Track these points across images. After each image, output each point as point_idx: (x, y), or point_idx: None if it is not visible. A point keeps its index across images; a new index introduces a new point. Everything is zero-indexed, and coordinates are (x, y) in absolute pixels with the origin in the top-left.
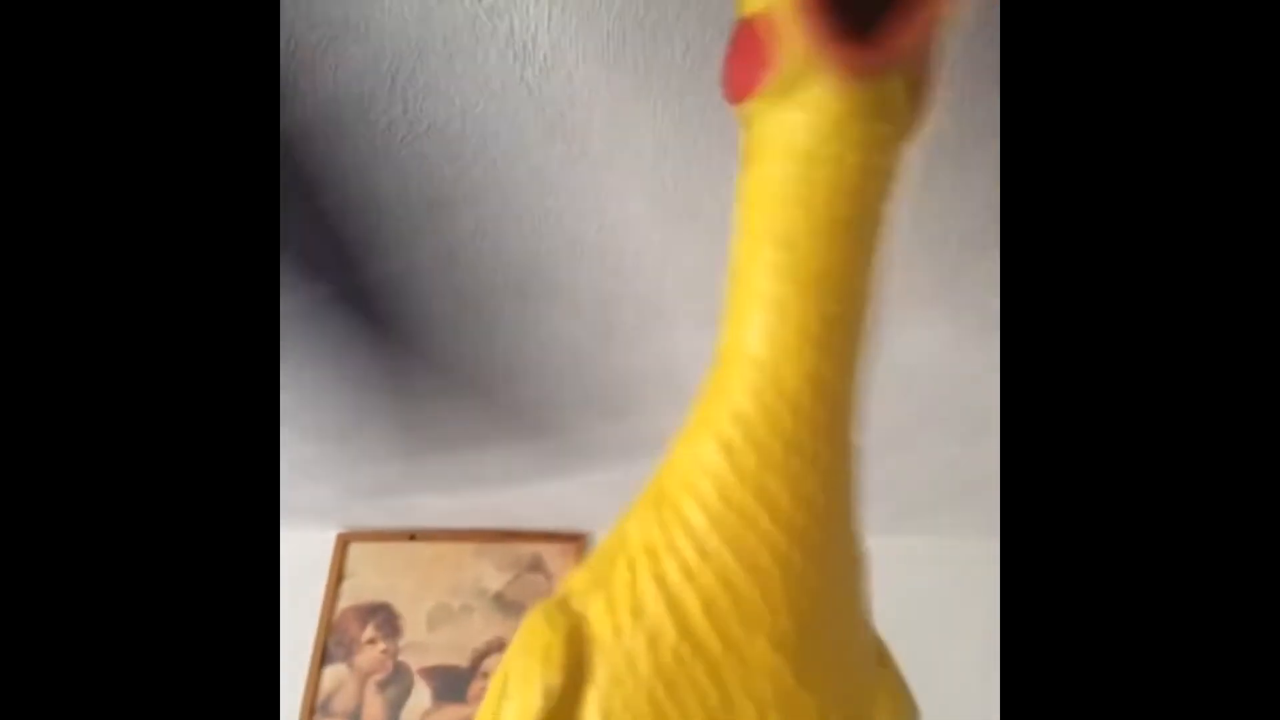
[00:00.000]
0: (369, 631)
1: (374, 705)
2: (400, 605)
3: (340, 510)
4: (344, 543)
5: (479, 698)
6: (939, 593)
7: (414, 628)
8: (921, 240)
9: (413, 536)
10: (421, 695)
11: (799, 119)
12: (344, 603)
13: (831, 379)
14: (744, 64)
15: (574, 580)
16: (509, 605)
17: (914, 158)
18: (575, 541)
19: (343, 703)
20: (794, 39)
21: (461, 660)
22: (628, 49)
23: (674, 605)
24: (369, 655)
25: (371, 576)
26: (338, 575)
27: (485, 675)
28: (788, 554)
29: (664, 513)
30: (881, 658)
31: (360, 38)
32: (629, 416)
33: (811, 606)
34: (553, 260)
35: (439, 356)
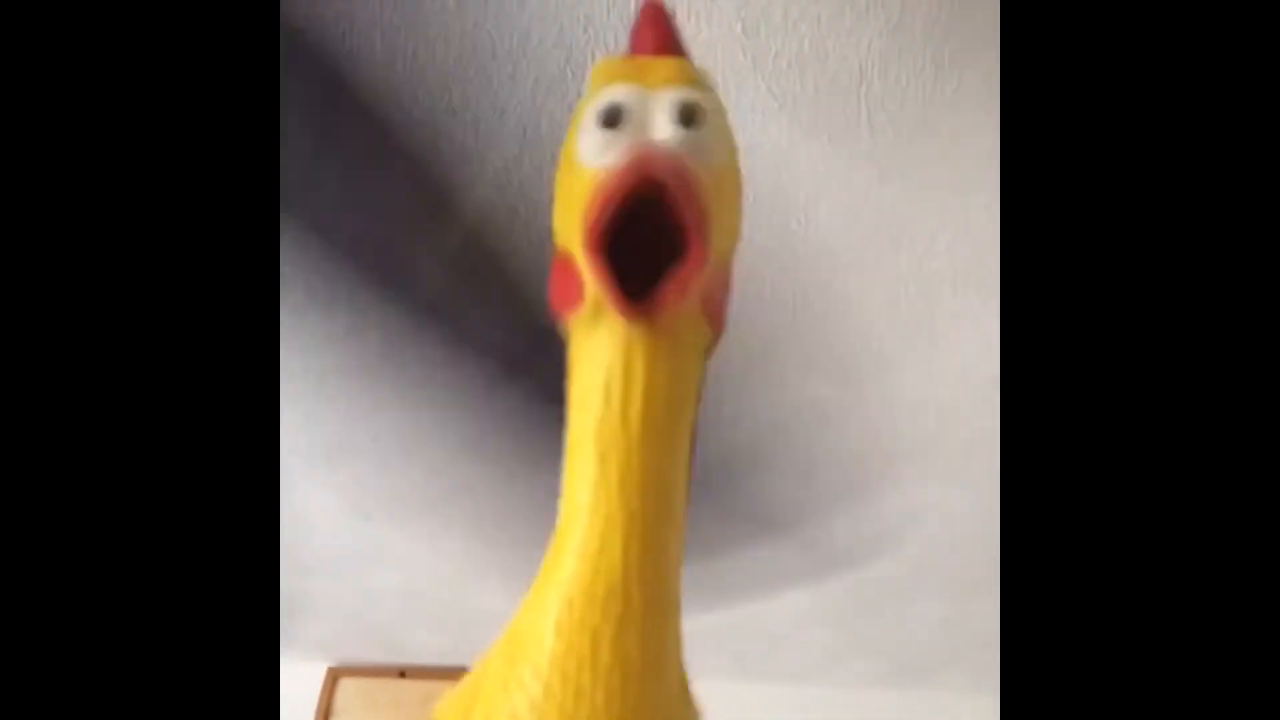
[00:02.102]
0: None
1: None
2: None
3: (333, 645)
4: (334, 678)
5: None
6: None
7: None
8: (919, 395)
9: (403, 674)
10: None
11: (604, 342)
12: None
13: (640, 557)
14: (561, 288)
15: (441, 710)
16: None
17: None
18: None
19: None
20: (589, 282)
21: None
22: None
23: None
24: None
25: (359, 714)
26: (325, 712)
27: None
28: (609, 693)
29: (515, 653)
30: None
31: None
32: None
33: None
34: None
35: (446, 487)
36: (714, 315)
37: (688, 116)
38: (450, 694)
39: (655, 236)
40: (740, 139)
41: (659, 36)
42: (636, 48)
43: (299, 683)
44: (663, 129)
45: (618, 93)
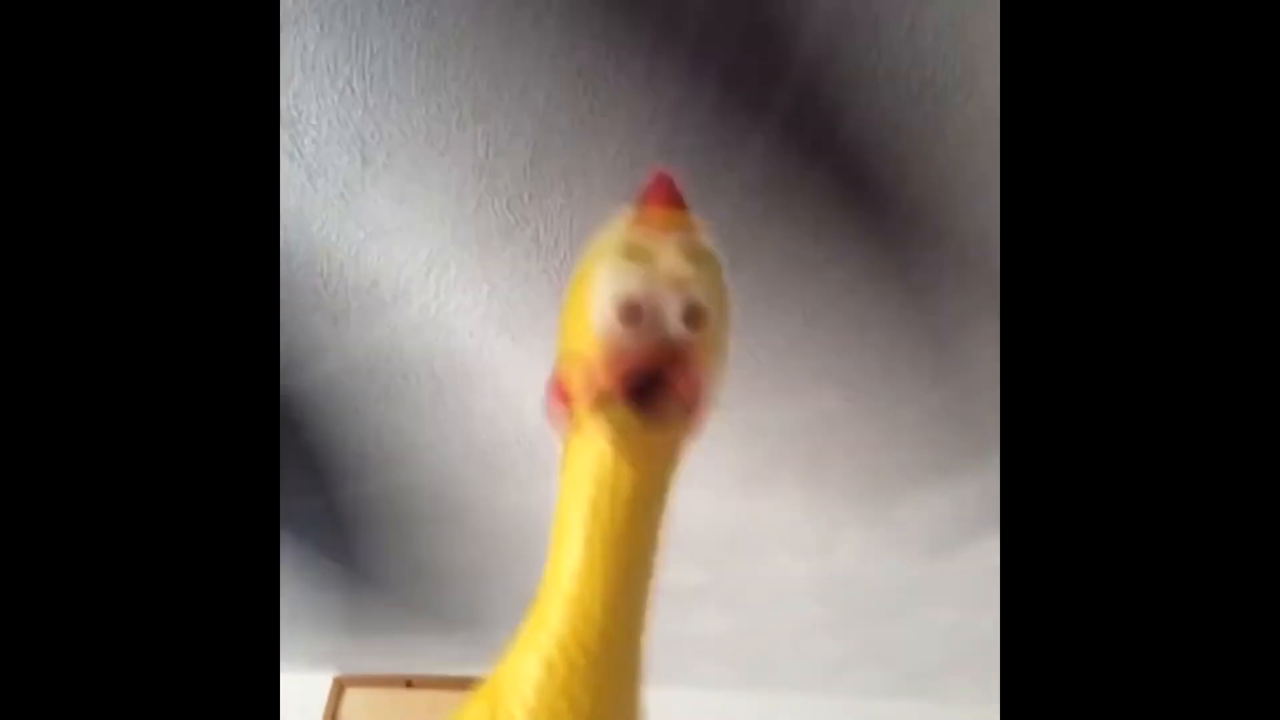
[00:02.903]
0: None
1: None
2: None
3: (339, 654)
4: (340, 687)
5: None
6: None
7: None
8: (920, 413)
9: (409, 683)
10: None
11: (593, 448)
12: None
13: (624, 615)
14: (557, 402)
15: None
16: None
17: (913, 328)
18: None
19: None
20: (583, 403)
21: None
22: None
23: None
24: None
25: None
26: None
27: None
28: None
29: (496, 710)
30: None
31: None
32: None
33: None
34: None
35: (447, 504)
36: (697, 414)
37: (694, 318)
38: None
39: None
40: None
41: (669, 194)
42: (648, 201)
43: (305, 692)
44: (674, 325)
45: (631, 286)
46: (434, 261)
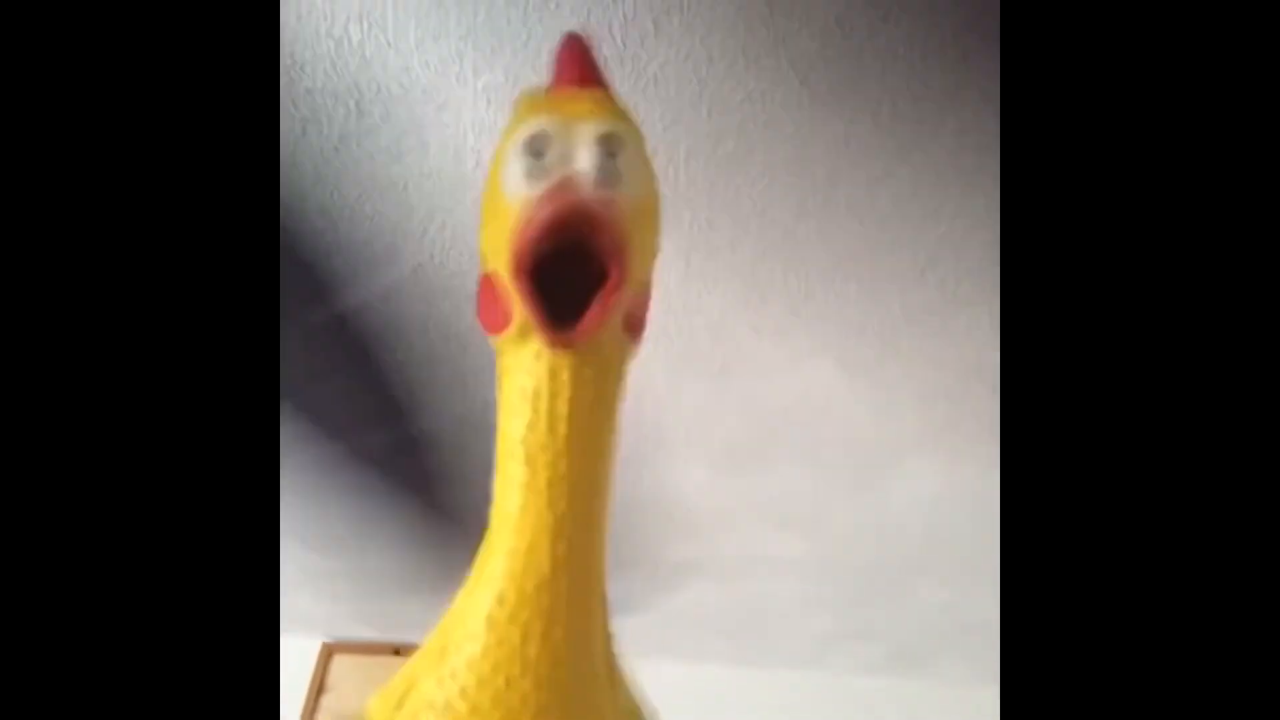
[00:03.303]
0: None
1: None
2: None
3: (327, 620)
4: (328, 653)
5: None
6: None
7: None
8: (915, 387)
9: (397, 651)
10: None
11: (531, 359)
12: (322, 718)
13: (567, 555)
14: (488, 309)
15: (375, 701)
16: None
17: (911, 306)
18: None
19: None
20: (516, 304)
21: None
22: None
23: None
24: None
25: (352, 693)
26: (318, 688)
27: None
28: (539, 695)
29: (448, 646)
30: None
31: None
32: (628, 541)
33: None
34: None
35: (448, 471)
36: (635, 328)
37: (609, 148)
38: (381, 690)
39: (577, 255)
40: None
41: (581, 68)
42: (559, 80)
43: (293, 658)
44: (585, 160)
45: (542, 123)
46: (429, 220)
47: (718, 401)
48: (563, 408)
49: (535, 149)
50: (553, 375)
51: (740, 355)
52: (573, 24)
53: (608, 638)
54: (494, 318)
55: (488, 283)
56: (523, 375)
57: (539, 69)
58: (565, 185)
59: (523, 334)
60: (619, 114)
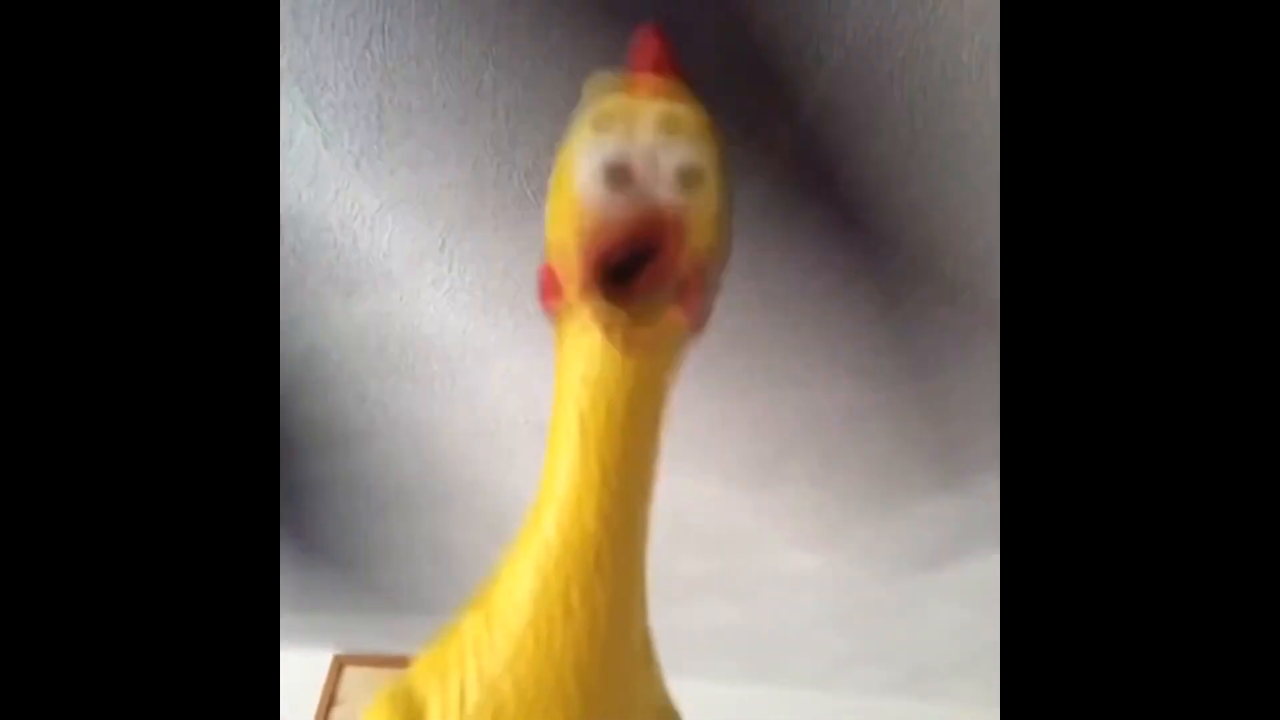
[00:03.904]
0: None
1: None
2: None
3: (339, 632)
4: (340, 665)
5: None
6: None
7: None
8: (934, 412)
9: (409, 663)
10: None
11: (583, 342)
12: None
13: (620, 521)
14: (550, 291)
15: (418, 667)
16: None
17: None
18: None
19: None
20: (571, 291)
21: None
22: None
23: (493, 692)
24: None
25: (363, 705)
26: (330, 700)
27: None
28: (579, 647)
29: (490, 616)
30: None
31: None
32: None
33: (599, 685)
34: None
35: (454, 484)
36: (695, 317)
37: (689, 179)
38: (427, 653)
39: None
40: None
41: (656, 58)
42: (634, 69)
43: (304, 670)
44: (665, 187)
45: (620, 147)
46: (448, 233)
47: (734, 414)
48: (618, 384)
49: (615, 180)
50: (610, 353)
51: (756, 367)
52: None
53: (646, 629)
54: (554, 299)
55: (550, 272)
56: (581, 352)
57: None
58: (645, 221)
59: (577, 311)
60: (690, 109)
